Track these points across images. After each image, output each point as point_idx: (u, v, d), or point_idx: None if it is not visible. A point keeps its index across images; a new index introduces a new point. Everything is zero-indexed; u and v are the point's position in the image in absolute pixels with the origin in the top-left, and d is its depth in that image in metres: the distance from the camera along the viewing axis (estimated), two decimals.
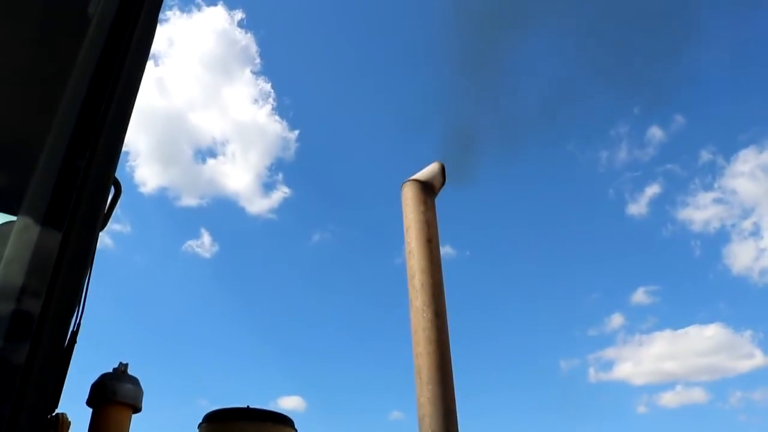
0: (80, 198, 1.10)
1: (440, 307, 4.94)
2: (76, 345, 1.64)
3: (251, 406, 2.89)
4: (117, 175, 1.51)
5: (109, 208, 2.39)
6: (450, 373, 4.58)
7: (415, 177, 6.23)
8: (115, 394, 2.11)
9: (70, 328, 1.13)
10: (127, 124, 1.32)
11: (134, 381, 2.18)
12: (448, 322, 4.98)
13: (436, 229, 5.71)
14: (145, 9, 1.45)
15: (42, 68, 1.92)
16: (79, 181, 1.11)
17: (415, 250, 5.35)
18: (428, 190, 6.01)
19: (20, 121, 2.02)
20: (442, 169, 6.63)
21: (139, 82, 1.41)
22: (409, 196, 5.95)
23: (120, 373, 2.16)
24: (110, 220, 2.54)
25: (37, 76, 1.94)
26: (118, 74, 1.31)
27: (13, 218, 2.06)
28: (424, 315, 4.75)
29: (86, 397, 2.11)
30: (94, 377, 2.16)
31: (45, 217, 1.06)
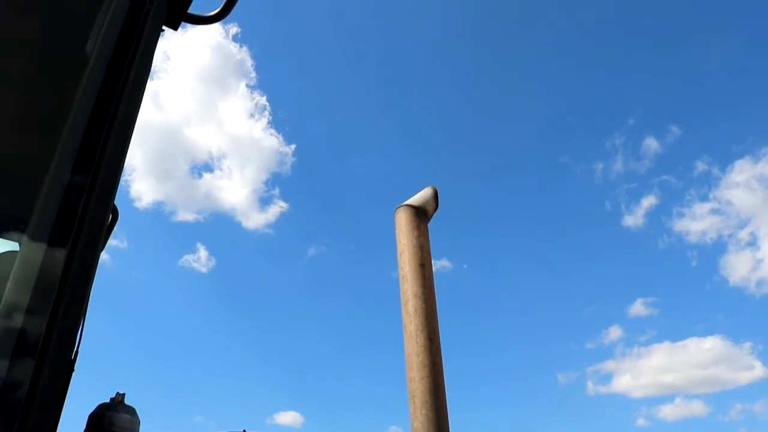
0: (82, 224, 1.16)
1: (433, 332, 4.97)
2: (75, 368, 1.68)
3: (247, 431, 2.91)
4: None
5: (106, 233, 2.44)
6: (443, 398, 4.60)
7: (408, 202, 6.29)
8: (112, 425, 2.14)
9: (70, 356, 1.17)
10: (126, 153, 1.39)
11: (131, 411, 2.22)
12: (442, 346, 5.01)
13: (430, 254, 5.76)
14: (142, 46, 1.52)
15: (43, 103, 1.99)
16: (81, 207, 1.17)
17: (408, 275, 5.40)
18: (421, 215, 6.08)
19: (23, 152, 2.07)
20: (435, 194, 6.70)
21: (136, 116, 1.48)
22: (402, 222, 6.01)
23: (117, 403, 2.20)
24: (106, 245, 2.58)
25: (39, 111, 2.01)
26: (116, 108, 1.37)
27: (16, 247, 2.10)
28: (418, 340, 4.78)
29: (83, 427, 2.14)
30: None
31: (49, 242, 1.11)
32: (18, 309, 1.07)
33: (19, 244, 1.26)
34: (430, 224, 6.85)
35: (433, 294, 5.54)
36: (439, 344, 5.16)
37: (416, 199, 6.99)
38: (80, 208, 1.18)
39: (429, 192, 7.19)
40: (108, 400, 2.25)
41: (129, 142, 1.43)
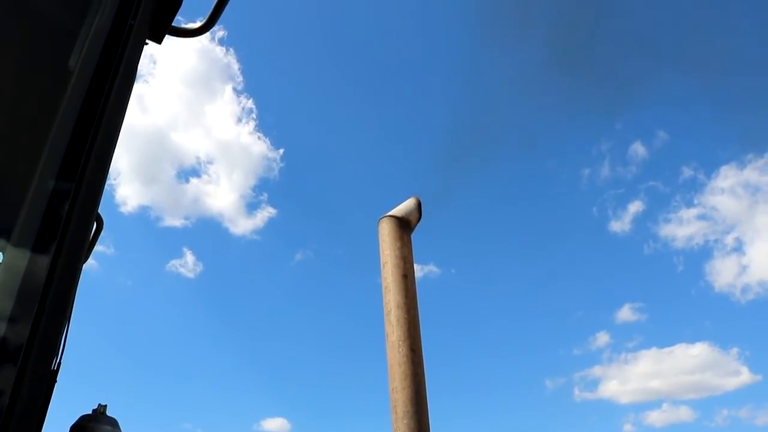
0: (66, 232, 1.17)
1: (416, 343, 5.00)
2: (58, 379, 1.68)
3: None
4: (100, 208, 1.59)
5: (90, 242, 2.44)
6: (425, 409, 4.62)
7: (391, 213, 6.33)
8: None
9: (52, 367, 1.19)
10: (110, 163, 1.41)
11: (113, 422, 2.21)
12: (429, 353, 5.04)
13: (412, 265, 5.80)
14: (126, 60, 1.54)
15: (28, 114, 2.00)
16: (65, 216, 1.18)
17: (391, 286, 5.42)
18: (404, 226, 6.12)
19: (8, 161, 2.08)
20: (419, 205, 6.74)
21: (120, 125, 1.50)
22: (385, 232, 6.04)
23: (99, 414, 2.19)
24: (91, 253, 2.59)
25: (23, 121, 2.02)
26: (100, 118, 1.39)
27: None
28: (400, 350, 4.80)
29: None
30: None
31: (33, 249, 1.13)
32: (0, 317, 1.08)
33: (3, 252, 1.27)
34: (417, 229, 6.87)
35: (416, 304, 5.56)
36: (422, 354, 5.18)
37: (399, 210, 7.01)
38: (64, 216, 1.20)
39: (412, 203, 7.22)
40: (90, 412, 2.24)
41: (113, 152, 1.45)
